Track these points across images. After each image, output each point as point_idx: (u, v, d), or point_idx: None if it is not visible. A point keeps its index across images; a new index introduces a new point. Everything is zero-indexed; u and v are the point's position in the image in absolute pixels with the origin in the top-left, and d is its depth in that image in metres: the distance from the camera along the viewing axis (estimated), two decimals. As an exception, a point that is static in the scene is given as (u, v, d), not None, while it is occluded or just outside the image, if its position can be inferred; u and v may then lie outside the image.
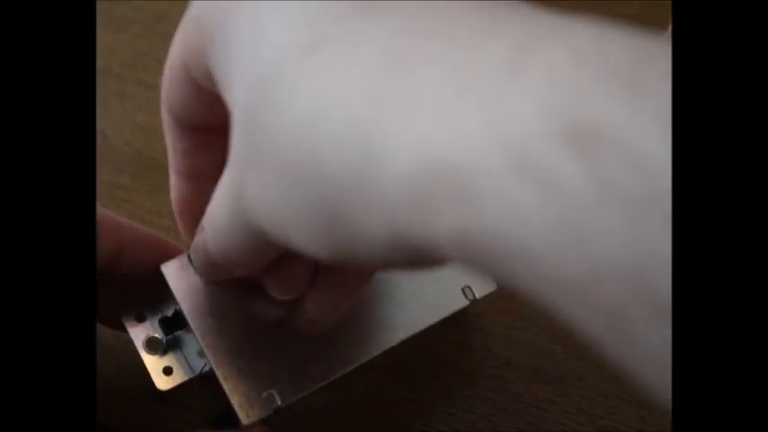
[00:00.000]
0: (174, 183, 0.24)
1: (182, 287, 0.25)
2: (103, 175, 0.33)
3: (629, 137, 0.12)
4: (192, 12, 0.20)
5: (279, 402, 0.23)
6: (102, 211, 0.25)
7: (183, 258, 0.25)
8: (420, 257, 0.16)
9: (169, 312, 0.25)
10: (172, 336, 0.25)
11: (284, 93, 0.16)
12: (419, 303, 0.25)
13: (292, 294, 0.22)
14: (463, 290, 0.26)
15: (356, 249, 0.16)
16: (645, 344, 0.12)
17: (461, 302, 0.25)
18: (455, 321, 0.30)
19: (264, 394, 0.24)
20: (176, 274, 0.25)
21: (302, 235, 0.17)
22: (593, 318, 0.13)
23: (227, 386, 0.23)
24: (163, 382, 0.25)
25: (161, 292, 0.25)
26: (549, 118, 0.13)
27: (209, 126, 0.22)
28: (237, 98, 0.18)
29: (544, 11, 0.15)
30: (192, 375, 0.25)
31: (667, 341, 0.12)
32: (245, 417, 0.23)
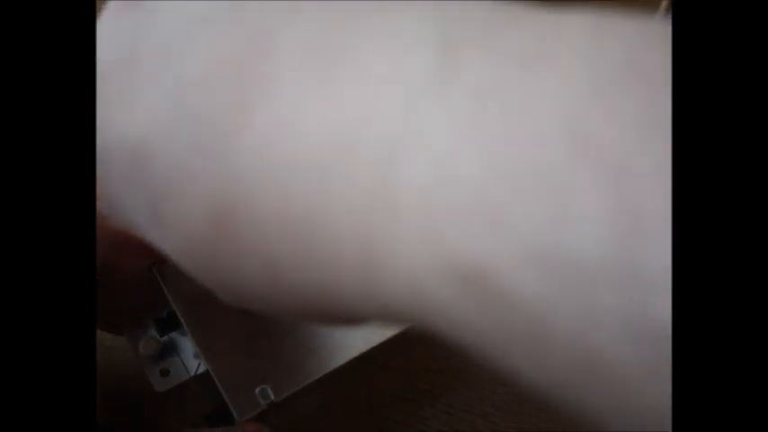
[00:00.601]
0: None
1: (174, 288, 0.25)
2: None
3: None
4: None
5: (272, 397, 0.24)
6: (98, 212, 0.25)
7: None
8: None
9: (164, 314, 0.26)
10: (168, 338, 0.25)
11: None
12: None
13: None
14: None
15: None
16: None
17: None
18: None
19: (258, 390, 0.24)
20: (169, 276, 0.25)
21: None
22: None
23: (220, 383, 0.24)
24: (160, 384, 0.25)
25: (156, 293, 0.25)
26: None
27: None
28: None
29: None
30: (188, 376, 0.25)
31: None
32: (238, 413, 0.23)
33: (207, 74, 0.15)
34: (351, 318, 0.16)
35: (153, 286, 0.25)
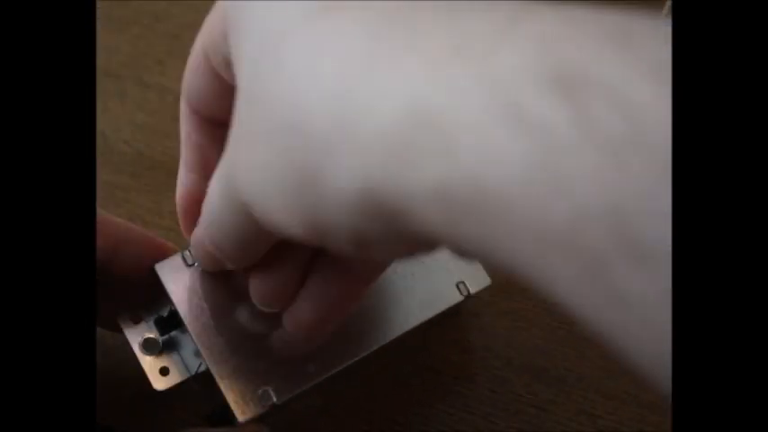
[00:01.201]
0: (182, 177, 0.24)
1: (176, 287, 0.25)
2: (103, 175, 0.33)
3: (615, 83, 0.12)
4: (219, 2, 0.20)
5: (274, 399, 0.24)
6: (98, 210, 0.25)
7: (178, 258, 0.25)
8: (395, 227, 0.16)
9: (164, 312, 0.25)
10: (168, 337, 0.25)
11: (280, 58, 0.16)
12: (414, 299, 0.25)
13: (276, 303, 0.22)
14: (457, 285, 0.26)
15: (328, 218, 0.16)
16: (629, 296, 0.12)
17: (456, 298, 0.25)
18: (455, 322, 0.30)
19: (260, 392, 0.24)
20: (171, 274, 0.25)
21: (281, 206, 0.17)
22: (575, 270, 0.13)
23: (222, 384, 0.24)
24: (160, 383, 0.25)
25: (156, 292, 0.25)
26: (536, 66, 0.13)
27: (223, 120, 0.22)
28: (241, 73, 0.18)
29: None
30: (188, 375, 0.25)
31: (652, 295, 0.12)
32: (240, 414, 0.23)
33: None
34: (338, 212, 0.16)
35: (154, 284, 0.25)
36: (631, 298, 0.12)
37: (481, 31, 0.14)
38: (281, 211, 0.17)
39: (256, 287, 0.22)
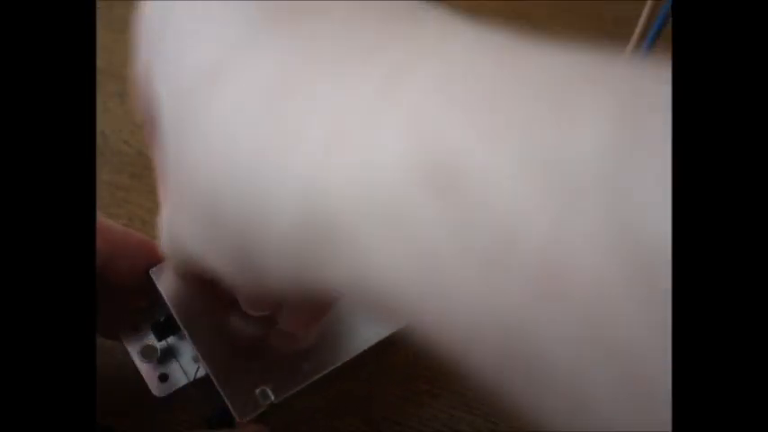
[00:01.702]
0: None
1: (171, 291, 0.25)
2: (103, 175, 0.33)
3: (485, 179, 0.11)
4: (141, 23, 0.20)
5: (272, 398, 0.24)
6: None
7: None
8: (332, 296, 0.15)
9: (161, 318, 0.25)
10: (166, 344, 0.25)
11: (197, 121, 0.16)
12: None
13: (265, 307, 0.22)
14: None
15: (272, 288, 0.16)
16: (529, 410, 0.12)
17: None
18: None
19: (258, 391, 0.24)
20: (166, 279, 0.25)
21: (225, 271, 0.17)
22: (479, 376, 0.13)
23: (220, 385, 0.24)
24: (159, 390, 0.25)
25: (153, 298, 0.25)
26: (409, 157, 0.12)
27: None
28: (163, 122, 0.17)
29: (447, 16, 0.14)
30: (187, 381, 0.25)
31: (550, 408, 0.11)
32: (239, 414, 0.23)
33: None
34: (280, 285, 0.16)
35: (150, 291, 0.25)
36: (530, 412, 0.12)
37: (362, 95, 0.13)
38: (227, 275, 0.17)
39: (241, 294, 0.22)
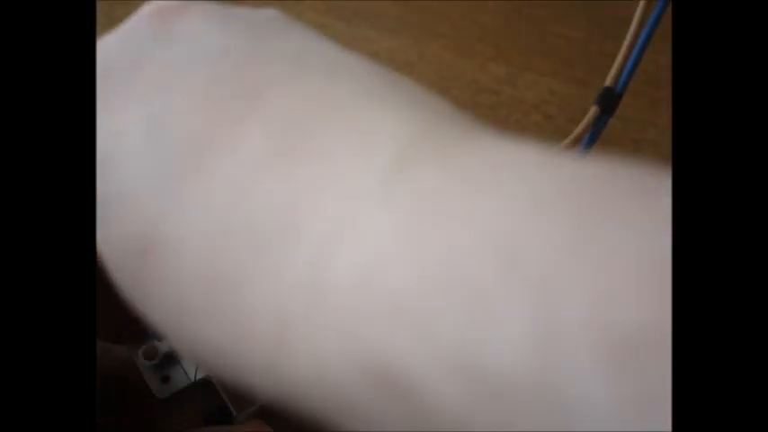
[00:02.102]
0: None
1: None
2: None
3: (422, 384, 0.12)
4: None
5: None
6: None
7: None
8: None
9: None
10: (169, 347, 0.25)
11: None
12: None
13: None
14: None
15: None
16: None
17: None
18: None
19: None
20: None
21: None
22: None
23: (218, 382, 0.24)
24: (161, 391, 0.25)
25: None
26: (352, 362, 0.13)
27: None
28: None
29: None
30: (188, 382, 0.25)
31: None
32: (236, 409, 0.23)
33: (187, 108, 0.15)
34: (252, 393, 0.15)
35: None
36: None
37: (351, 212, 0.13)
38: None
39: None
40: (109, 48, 0.18)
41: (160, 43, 0.17)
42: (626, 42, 0.29)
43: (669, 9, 0.28)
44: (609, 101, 0.30)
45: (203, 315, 0.14)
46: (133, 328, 0.26)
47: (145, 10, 0.19)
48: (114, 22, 0.36)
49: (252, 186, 0.14)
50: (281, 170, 0.14)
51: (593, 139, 0.30)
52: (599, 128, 0.30)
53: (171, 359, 0.25)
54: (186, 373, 0.25)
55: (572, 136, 0.30)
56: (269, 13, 0.18)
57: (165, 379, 0.25)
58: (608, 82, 0.30)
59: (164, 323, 0.16)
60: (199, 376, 0.25)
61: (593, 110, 0.30)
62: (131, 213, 0.15)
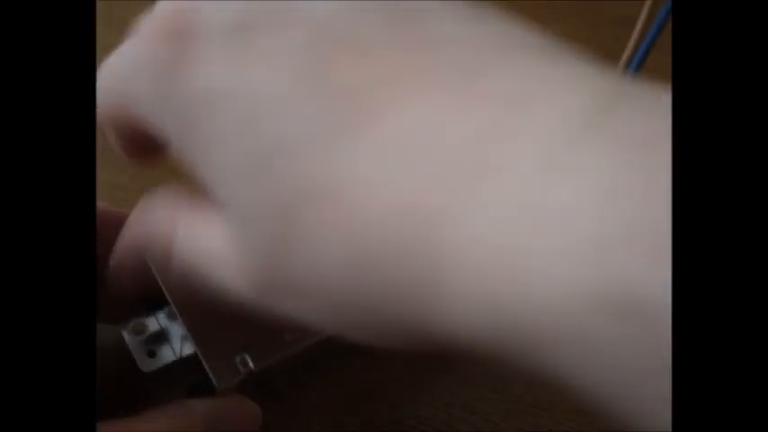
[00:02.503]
0: None
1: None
2: (103, 175, 0.33)
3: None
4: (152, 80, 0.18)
5: (252, 366, 0.24)
6: None
7: None
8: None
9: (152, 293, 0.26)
10: (158, 326, 0.25)
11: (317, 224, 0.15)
12: None
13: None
14: None
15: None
16: None
17: None
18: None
19: (238, 358, 0.24)
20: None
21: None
22: None
23: (201, 352, 0.24)
24: (146, 365, 0.25)
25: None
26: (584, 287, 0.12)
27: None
28: (248, 216, 0.17)
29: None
30: (175, 358, 0.25)
31: None
32: (217, 380, 0.24)
33: (350, 61, 0.15)
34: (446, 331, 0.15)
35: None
36: None
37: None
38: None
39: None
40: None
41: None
42: (630, 43, 0.29)
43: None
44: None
45: (396, 257, 0.14)
46: (123, 304, 0.26)
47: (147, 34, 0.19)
48: (114, 22, 0.36)
49: (442, 127, 0.14)
50: (473, 113, 0.14)
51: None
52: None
53: (159, 337, 0.25)
54: (173, 350, 0.25)
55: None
56: None
57: (152, 353, 0.25)
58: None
59: (338, 272, 0.15)
60: (186, 353, 0.25)
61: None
62: (307, 159, 0.15)
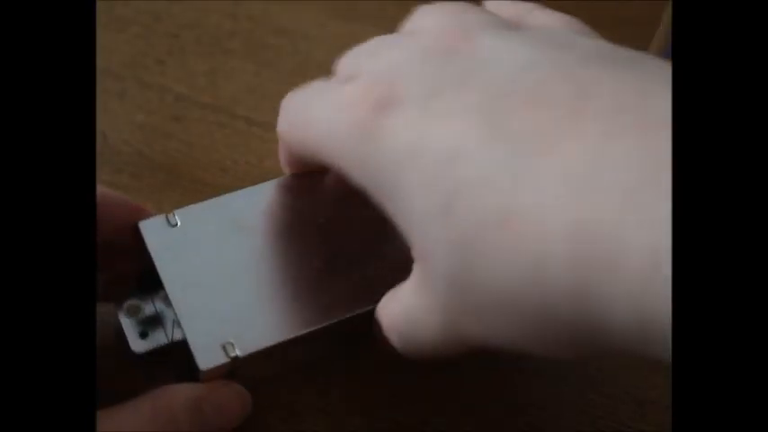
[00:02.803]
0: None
1: (157, 244, 0.26)
2: (103, 175, 0.33)
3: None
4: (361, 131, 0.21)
5: (237, 352, 0.24)
6: None
7: (161, 218, 0.26)
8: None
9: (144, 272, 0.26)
10: (154, 309, 0.26)
11: (495, 247, 0.18)
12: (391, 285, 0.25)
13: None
14: None
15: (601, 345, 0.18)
16: None
17: None
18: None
19: (224, 343, 0.24)
20: (153, 232, 0.26)
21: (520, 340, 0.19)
22: None
23: (188, 333, 0.24)
24: (138, 345, 0.25)
25: (138, 254, 0.26)
26: None
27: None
28: (432, 254, 0.20)
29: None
30: (166, 341, 0.25)
31: None
32: (201, 363, 0.24)
33: (521, 109, 0.18)
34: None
35: (136, 248, 0.26)
36: None
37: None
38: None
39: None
40: (416, 64, 0.21)
41: (469, 62, 0.20)
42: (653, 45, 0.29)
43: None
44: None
45: (577, 265, 0.16)
46: (119, 285, 0.26)
47: (431, 31, 0.22)
48: (114, 22, 0.36)
49: (603, 156, 0.16)
50: (630, 140, 0.16)
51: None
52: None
53: (153, 320, 0.26)
54: (166, 334, 0.25)
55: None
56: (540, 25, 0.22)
57: (144, 335, 0.25)
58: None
59: (523, 288, 0.18)
60: (177, 337, 0.25)
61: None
62: (486, 194, 0.18)
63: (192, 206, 0.27)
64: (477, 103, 0.19)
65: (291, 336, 0.25)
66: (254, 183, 0.28)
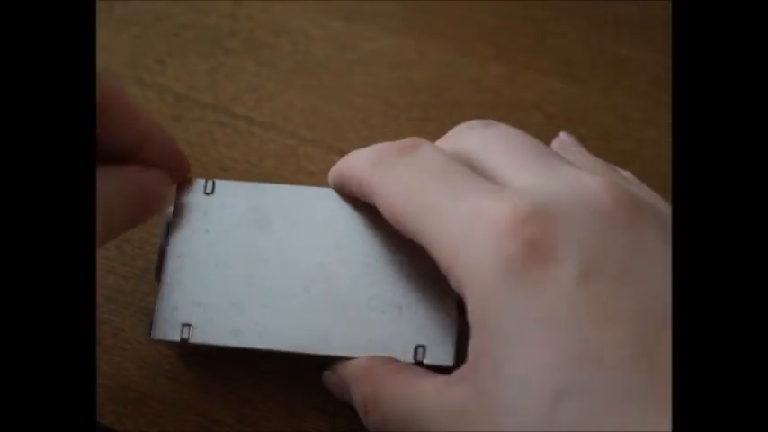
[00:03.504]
0: None
1: (182, 201, 0.26)
2: (103, 174, 0.33)
3: None
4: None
5: (188, 336, 0.24)
6: (132, 99, 0.24)
7: (201, 182, 0.27)
8: None
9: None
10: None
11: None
12: (372, 330, 0.24)
13: None
14: (416, 348, 0.24)
15: None
16: None
17: (406, 357, 0.24)
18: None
19: (183, 324, 0.24)
20: (187, 192, 0.26)
21: None
22: None
23: (160, 299, 0.25)
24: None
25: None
26: None
27: None
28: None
29: None
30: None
31: None
32: (154, 332, 0.24)
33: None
34: None
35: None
36: None
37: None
38: None
39: None
40: (577, 218, 0.19)
41: (635, 243, 0.18)
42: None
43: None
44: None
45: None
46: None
47: (598, 188, 0.20)
48: (114, 22, 0.36)
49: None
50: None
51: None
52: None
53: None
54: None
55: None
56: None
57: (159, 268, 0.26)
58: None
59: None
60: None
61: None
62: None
63: (231, 182, 0.27)
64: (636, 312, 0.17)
65: (251, 346, 0.24)
66: (254, 182, 0.28)
